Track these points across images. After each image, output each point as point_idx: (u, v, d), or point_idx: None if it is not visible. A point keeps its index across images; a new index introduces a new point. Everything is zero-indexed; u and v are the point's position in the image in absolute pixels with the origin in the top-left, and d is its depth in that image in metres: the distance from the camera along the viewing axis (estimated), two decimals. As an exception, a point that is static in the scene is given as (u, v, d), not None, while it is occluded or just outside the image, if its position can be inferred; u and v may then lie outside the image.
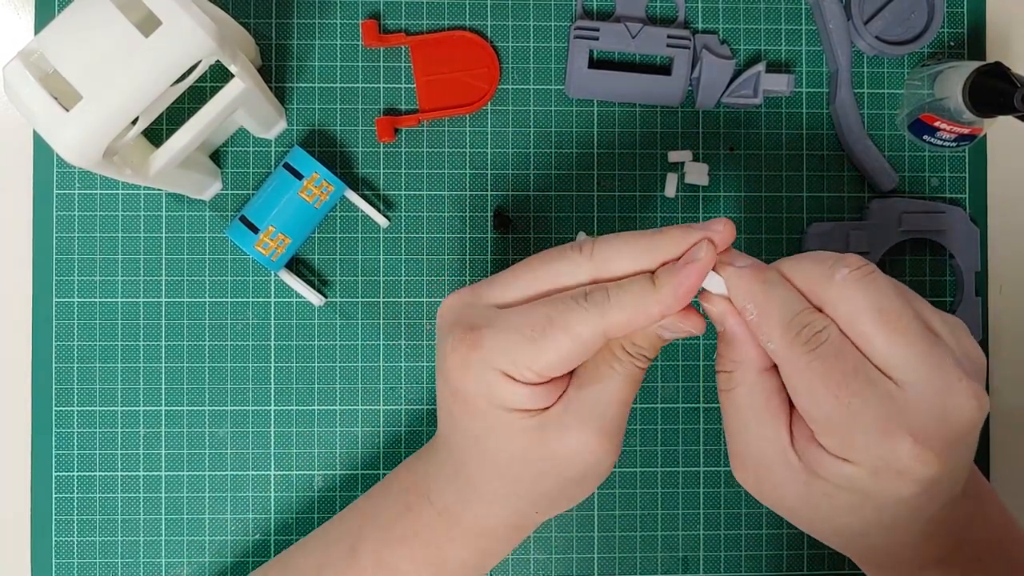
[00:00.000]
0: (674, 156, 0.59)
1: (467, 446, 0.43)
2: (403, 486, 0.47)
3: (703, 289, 0.39)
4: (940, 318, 0.38)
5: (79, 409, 0.57)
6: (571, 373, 0.41)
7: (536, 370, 0.39)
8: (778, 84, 0.58)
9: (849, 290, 0.37)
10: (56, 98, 0.42)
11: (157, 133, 0.57)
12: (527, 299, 0.40)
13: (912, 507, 0.38)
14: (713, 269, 0.39)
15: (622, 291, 0.39)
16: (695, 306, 0.40)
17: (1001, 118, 0.54)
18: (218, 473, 0.57)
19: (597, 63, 0.59)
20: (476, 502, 0.44)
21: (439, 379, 0.43)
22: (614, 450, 0.41)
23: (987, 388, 0.59)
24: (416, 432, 0.58)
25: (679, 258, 0.39)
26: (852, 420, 0.36)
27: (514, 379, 0.39)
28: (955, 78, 0.53)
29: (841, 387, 0.36)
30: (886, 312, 0.37)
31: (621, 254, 0.40)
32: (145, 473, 0.57)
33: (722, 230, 0.39)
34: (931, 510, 0.39)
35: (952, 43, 0.60)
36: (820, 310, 0.38)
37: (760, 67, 0.58)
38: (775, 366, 0.39)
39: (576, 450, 0.40)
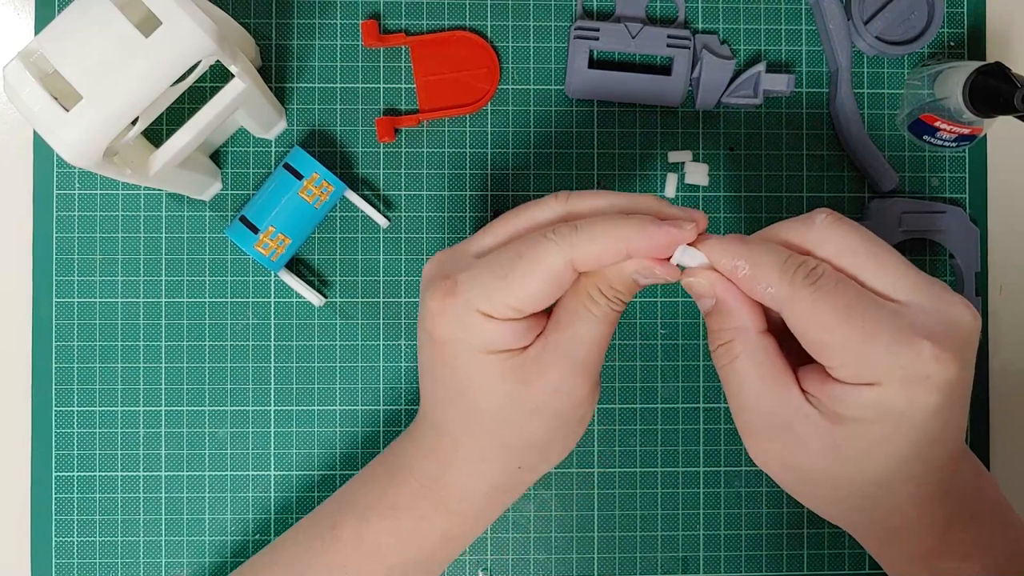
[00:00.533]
0: (674, 156, 0.59)
1: (449, 403, 0.43)
2: (385, 464, 0.48)
3: (684, 268, 0.41)
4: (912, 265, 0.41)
5: (79, 409, 0.57)
6: (548, 315, 0.42)
7: (511, 304, 0.40)
8: (778, 84, 0.58)
9: (830, 231, 0.39)
10: (56, 98, 0.42)
11: (157, 133, 0.57)
12: (502, 244, 0.42)
13: (939, 423, 0.39)
14: (692, 245, 0.40)
15: (592, 224, 0.40)
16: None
17: (1001, 118, 0.54)
18: (218, 473, 0.57)
19: (597, 63, 0.59)
20: (460, 462, 0.44)
21: (420, 337, 0.44)
22: (593, 388, 0.43)
23: (986, 386, 0.60)
24: (416, 432, 0.58)
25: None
26: (869, 338, 0.37)
27: (491, 317, 0.40)
28: (955, 78, 0.53)
29: (851, 310, 0.37)
30: (870, 244, 0.39)
31: (595, 203, 0.42)
32: (145, 473, 0.57)
33: (699, 217, 0.41)
34: (950, 434, 0.40)
35: (952, 43, 0.60)
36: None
37: (760, 67, 0.58)
38: (770, 328, 0.40)
39: (556, 386, 0.41)
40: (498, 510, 0.47)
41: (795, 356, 0.40)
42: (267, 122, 0.56)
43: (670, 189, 0.59)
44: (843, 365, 0.38)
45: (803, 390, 0.40)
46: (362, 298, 0.58)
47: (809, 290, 0.38)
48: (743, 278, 0.39)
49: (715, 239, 0.40)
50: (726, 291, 0.40)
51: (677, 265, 0.40)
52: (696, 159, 0.59)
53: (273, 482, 0.58)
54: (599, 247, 0.40)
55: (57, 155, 0.57)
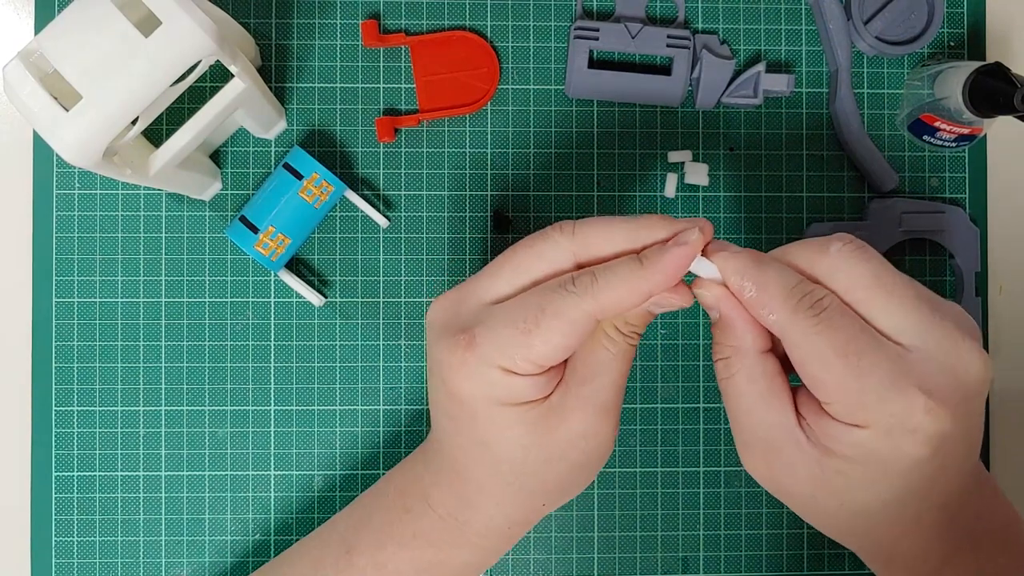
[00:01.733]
0: (674, 156, 0.59)
1: (472, 451, 0.43)
2: (399, 489, 0.47)
3: (695, 276, 0.40)
4: (931, 295, 0.39)
5: (79, 409, 0.57)
6: (566, 362, 0.42)
7: (534, 360, 0.39)
8: (778, 84, 0.58)
9: (844, 261, 0.38)
10: (56, 98, 0.42)
11: (157, 133, 0.57)
12: (515, 291, 0.40)
13: (925, 474, 0.38)
14: (703, 255, 0.39)
15: (610, 273, 0.39)
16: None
17: (1001, 118, 0.54)
18: (218, 473, 0.57)
19: (597, 63, 0.59)
20: (483, 504, 0.44)
21: (433, 384, 0.43)
22: (614, 427, 0.42)
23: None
24: (416, 432, 0.58)
25: (666, 242, 0.39)
26: (863, 380, 0.36)
27: (513, 373, 0.39)
28: (955, 78, 0.53)
29: (849, 348, 0.36)
30: (883, 279, 0.38)
31: (603, 236, 0.40)
32: (145, 473, 0.57)
33: (704, 225, 0.40)
34: (943, 483, 0.39)
35: (952, 43, 0.60)
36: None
37: (760, 67, 0.58)
38: (772, 349, 0.40)
39: (581, 433, 0.41)
40: (519, 538, 0.47)
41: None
42: (267, 122, 0.56)
43: (670, 189, 0.59)
44: (835, 402, 0.37)
45: (799, 413, 0.39)
46: (362, 298, 0.58)
47: (811, 322, 0.37)
48: (748, 300, 0.39)
49: (729, 253, 0.39)
50: (730, 309, 0.40)
51: (686, 280, 0.40)
52: (696, 159, 0.59)
53: (273, 482, 0.58)
54: (621, 295, 0.39)
55: (57, 155, 0.56)
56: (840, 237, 0.39)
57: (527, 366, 0.39)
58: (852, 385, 0.37)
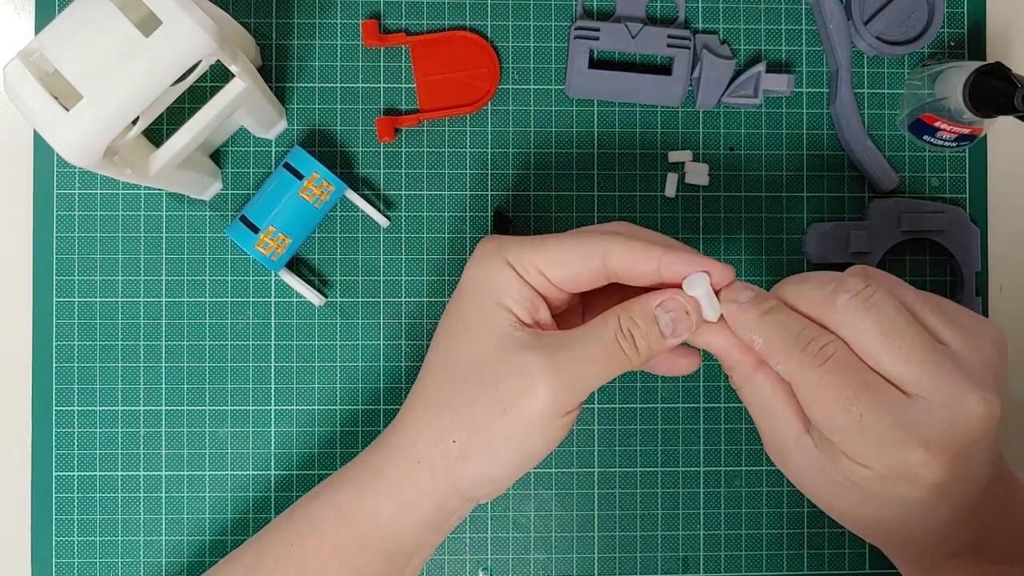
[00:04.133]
0: (674, 156, 0.59)
1: (440, 347, 0.44)
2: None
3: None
4: (953, 328, 0.39)
5: (79, 409, 0.57)
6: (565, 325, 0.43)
7: (538, 264, 0.42)
8: (778, 84, 0.58)
9: (851, 315, 0.39)
10: (56, 98, 0.42)
11: (157, 133, 0.57)
12: None
13: (925, 507, 0.39)
14: (717, 295, 0.41)
15: (632, 235, 0.42)
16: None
17: (1001, 118, 0.54)
18: (218, 473, 0.57)
19: (597, 63, 0.59)
20: (405, 421, 0.44)
21: (450, 301, 0.45)
22: (563, 404, 0.41)
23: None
24: (416, 432, 0.58)
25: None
26: (863, 431, 0.38)
27: (516, 274, 0.42)
28: (955, 78, 0.53)
29: (852, 400, 0.38)
30: (888, 333, 0.38)
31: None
32: (145, 473, 0.57)
33: (723, 270, 0.42)
34: (946, 508, 0.40)
35: (952, 43, 0.60)
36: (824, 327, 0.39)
37: (760, 67, 0.58)
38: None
39: (529, 372, 0.40)
40: (433, 496, 0.43)
41: None
42: (267, 122, 0.56)
43: (670, 189, 0.59)
44: (839, 442, 0.39)
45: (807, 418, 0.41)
46: (362, 298, 0.58)
47: (816, 372, 0.38)
48: (758, 350, 0.40)
49: (737, 308, 0.41)
50: (721, 347, 0.42)
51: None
52: (696, 159, 0.59)
53: (273, 482, 0.58)
54: (635, 250, 0.41)
55: (57, 155, 0.56)
56: (848, 286, 0.39)
57: (531, 271, 0.42)
58: (854, 435, 0.38)
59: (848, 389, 0.38)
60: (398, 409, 0.58)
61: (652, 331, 0.41)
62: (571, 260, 0.42)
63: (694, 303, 0.41)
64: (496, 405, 0.41)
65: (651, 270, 0.41)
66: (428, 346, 0.45)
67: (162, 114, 0.51)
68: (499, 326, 0.42)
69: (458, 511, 0.44)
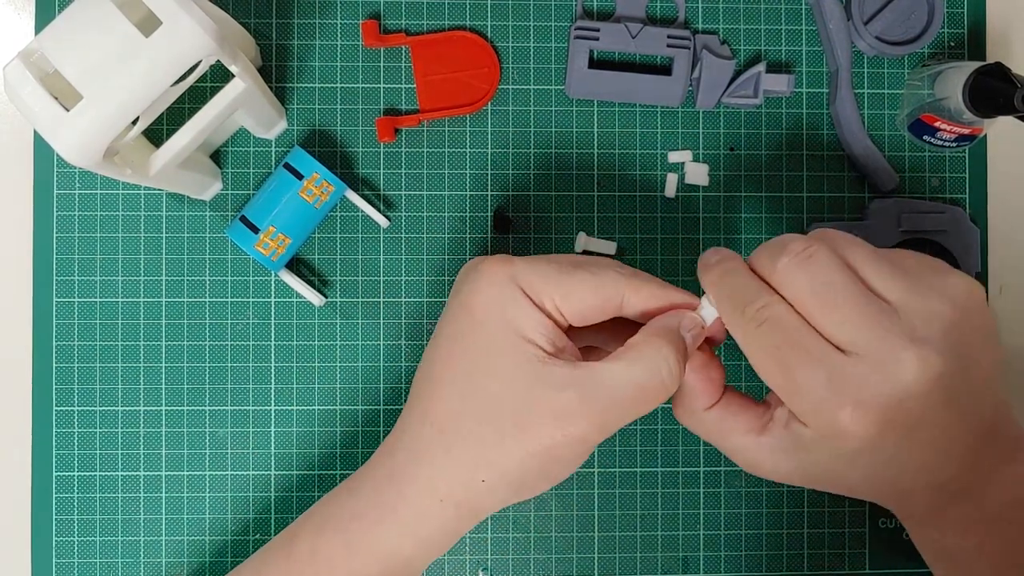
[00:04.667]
0: (674, 156, 0.59)
1: (456, 379, 0.42)
2: (355, 476, 0.45)
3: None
4: (902, 284, 0.39)
5: (79, 409, 0.57)
6: (588, 355, 0.43)
7: (555, 297, 0.41)
8: (778, 84, 0.58)
9: (789, 275, 0.39)
10: (56, 98, 0.42)
11: (157, 133, 0.57)
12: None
13: (868, 465, 0.40)
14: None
15: (648, 277, 0.43)
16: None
17: (1001, 118, 0.54)
18: (218, 473, 0.57)
19: (597, 63, 0.59)
20: (419, 466, 0.42)
21: (445, 311, 0.43)
22: (594, 437, 0.40)
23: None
24: (416, 432, 0.58)
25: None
26: (798, 390, 0.39)
27: (531, 301, 0.41)
28: (955, 78, 0.53)
29: (786, 359, 0.39)
30: (821, 293, 0.39)
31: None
32: (145, 473, 0.57)
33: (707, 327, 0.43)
34: (897, 463, 0.40)
35: (952, 43, 0.60)
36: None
37: (760, 67, 0.58)
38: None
39: (567, 414, 0.40)
40: (450, 534, 0.43)
41: None
42: (267, 122, 0.56)
43: (670, 189, 0.59)
44: (787, 404, 0.40)
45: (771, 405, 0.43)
46: (362, 298, 0.58)
47: (754, 333, 0.40)
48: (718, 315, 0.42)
49: (707, 280, 0.43)
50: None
51: None
52: (696, 159, 0.59)
53: (273, 482, 0.58)
54: (652, 290, 0.42)
55: (57, 155, 0.56)
56: (789, 248, 0.40)
57: (547, 301, 0.41)
58: (790, 393, 0.39)
59: (782, 347, 0.39)
60: (398, 409, 0.58)
61: (683, 354, 0.41)
62: (592, 301, 0.41)
63: (700, 320, 0.43)
64: (530, 446, 0.40)
65: (666, 307, 0.42)
66: (425, 358, 0.44)
67: (162, 114, 0.51)
68: (527, 362, 0.40)
69: (469, 529, 0.44)
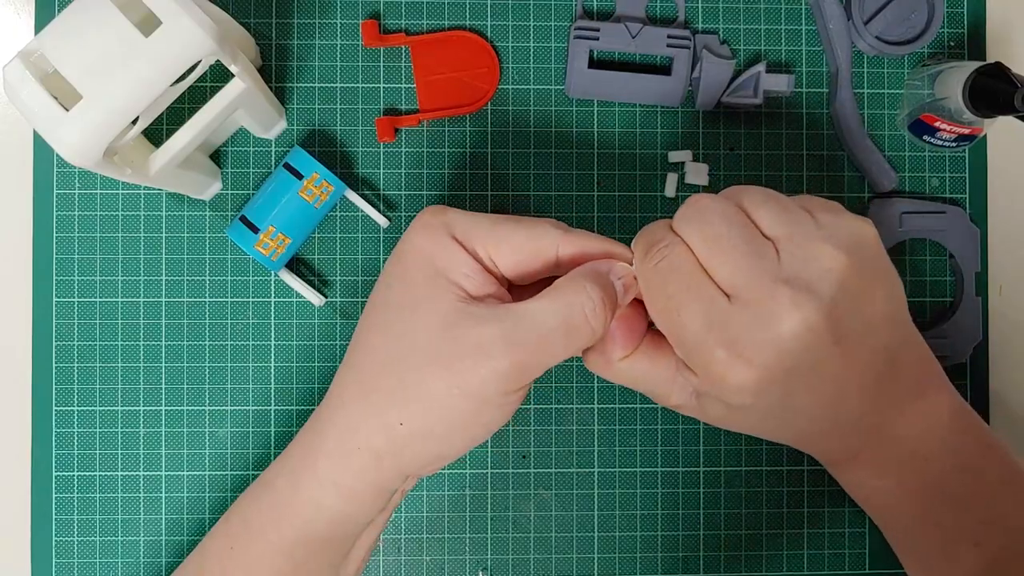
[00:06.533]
0: (674, 156, 0.59)
1: (378, 323, 0.41)
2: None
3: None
4: (782, 225, 0.40)
5: (79, 409, 0.57)
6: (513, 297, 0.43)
7: (488, 246, 0.41)
8: (778, 84, 0.58)
9: (684, 223, 0.41)
10: (56, 98, 0.42)
11: (157, 133, 0.57)
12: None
13: (758, 413, 0.41)
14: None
15: (586, 232, 0.43)
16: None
17: (1001, 118, 0.54)
18: (218, 473, 0.57)
19: (597, 63, 0.59)
20: (343, 410, 0.41)
21: (385, 270, 0.43)
22: (521, 381, 0.39)
23: (986, 385, 0.59)
24: (416, 432, 0.58)
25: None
26: (680, 331, 0.39)
27: (464, 249, 0.41)
28: (955, 78, 0.53)
29: (672, 298, 0.39)
30: (707, 238, 0.39)
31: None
32: (145, 473, 0.57)
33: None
34: (795, 412, 0.41)
35: (952, 43, 0.60)
36: None
37: (760, 67, 0.58)
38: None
39: (488, 349, 0.38)
40: (375, 480, 0.41)
41: None
42: (267, 122, 0.56)
43: (670, 189, 0.59)
44: (676, 349, 0.41)
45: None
46: (362, 298, 0.58)
47: (651, 272, 0.40)
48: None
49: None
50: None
51: None
52: (696, 159, 0.59)
53: (273, 482, 0.58)
54: (584, 241, 0.42)
55: (57, 155, 0.57)
56: (691, 199, 0.41)
57: (479, 249, 0.41)
58: (675, 335, 0.40)
59: (671, 286, 0.39)
60: (398, 409, 0.58)
61: (611, 299, 0.41)
62: (525, 249, 0.41)
63: (631, 270, 0.43)
64: (450, 384, 0.39)
65: (602, 254, 0.42)
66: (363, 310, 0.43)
67: (162, 114, 0.51)
68: (449, 301, 0.40)
69: (402, 488, 0.43)
